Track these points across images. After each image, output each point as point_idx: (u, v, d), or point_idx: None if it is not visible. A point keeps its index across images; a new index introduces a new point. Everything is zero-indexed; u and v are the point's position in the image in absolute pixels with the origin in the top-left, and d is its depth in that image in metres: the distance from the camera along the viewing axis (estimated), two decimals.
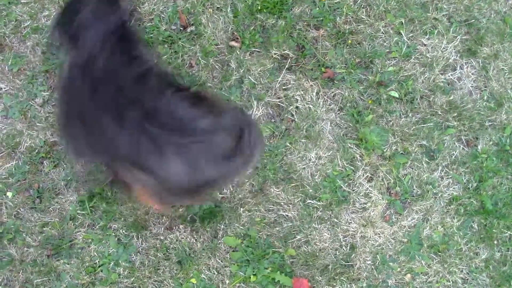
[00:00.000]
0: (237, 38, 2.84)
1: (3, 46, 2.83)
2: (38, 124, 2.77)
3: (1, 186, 2.73)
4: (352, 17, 2.88)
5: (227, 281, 2.71)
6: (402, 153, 2.80)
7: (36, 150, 2.75)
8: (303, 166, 2.78)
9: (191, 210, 2.71)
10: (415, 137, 2.81)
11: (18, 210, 2.71)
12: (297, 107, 2.80)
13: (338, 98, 2.83)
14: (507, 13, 2.93)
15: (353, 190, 2.78)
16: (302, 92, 2.81)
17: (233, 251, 2.71)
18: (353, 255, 2.76)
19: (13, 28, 2.84)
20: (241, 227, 2.73)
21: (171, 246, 2.71)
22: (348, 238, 2.75)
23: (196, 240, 2.72)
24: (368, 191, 2.77)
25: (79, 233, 2.71)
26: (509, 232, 2.80)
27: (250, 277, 2.69)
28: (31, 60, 2.82)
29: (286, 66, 2.82)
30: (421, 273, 2.78)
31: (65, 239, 2.69)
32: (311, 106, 2.80)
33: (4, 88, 2.79)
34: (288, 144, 2.78)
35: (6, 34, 2.83)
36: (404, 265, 2.77)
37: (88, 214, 2.71)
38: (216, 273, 2.71)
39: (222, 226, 2.73)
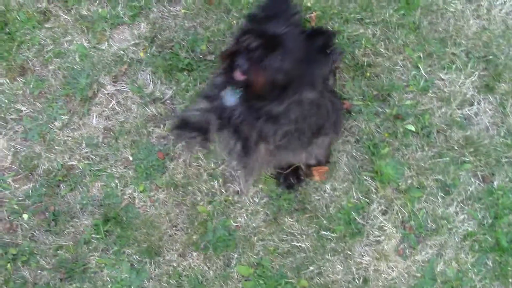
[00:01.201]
0: None
1: (25, 69, 2.88)
2: (56, 147, 2.80)
3: (18, 207, 2.75)
4: (370, 49, 2.91)
5: None
6: (417, 187, 2.79)
7: (53, 173, 2.78)
8: (317, 197, 2.78)
9: (204, 237, 2.72)
10: (431, 172, 2.80)
11: (33, 232, 2.74)
12: None
13: (354, 130, 2.84)
14: None
15: (368, 222, 2.77)
16: None
17: (246, 280, 2.71)
18: None
19: (36, 52, 2.89)
20: (254, 256, 2.73)
21: (184, 273, 2.72)
22: (361, 271, 2.74)
23: (209, 268, 2.72)
24: (382, 224, 2.76)
25: (92, 257, 2.72)
26: None
27: None
28: (52, 83, 2.86)
29: None
30: None
31: (78, 262, 2.71)
32: None
33: (25, 110, 2.84)
34: (303, 177, 2.77)
35: (29, 57, 2.89)
36: None
37: (102, 238, 2.72)
38: None
39: (235, 255, 2.74)
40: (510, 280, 2.74)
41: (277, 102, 2.06)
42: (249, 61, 1.89)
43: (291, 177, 2.72)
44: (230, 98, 2.08)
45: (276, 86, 1.96)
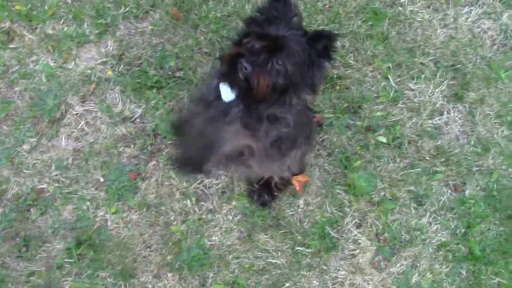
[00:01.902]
0: None
1: None
2: (25, 170, 2.76)
3: None
4: (340, 61, 2.90)
5: None
6: (390, 199, 2.81)
7: (23, 198, 2.74)
8: (291, 213, 2.78)
9: (179, 257, 2.70)
10: (403, 183, 2.82)
11: (4, 259, 2.70)
12: None
13: (326, 144, 2.84)
14: (492, 58, 2.96)
15: (342, 236, 2.78)
16: None
17: None
18: None
19: (1, 73, 2.86)
20: (230, 275, 2.72)
21: None
22: (337, 286, 2.75)
23: None
24: (356, 237, 2.77)
25: (66, 282, 2.69)
26: (497, 278, 2.80)
27: None
28: (19, 105, 2.82)
29: None
30: None
31: None
32: None
33: None
34: (276, 192, 2.76)
35: None
36: None
37: (75, 262, 2.69)
38: None
39: (210, 274, 2.72)
40: None
41: (277, 105, 2.04)
42: (253, 64, 1.87)
43: (264, 194, 2.71)
44: (229, 93, 2.03)
45: (277, 89, 1.95)
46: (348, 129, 2.85)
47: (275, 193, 2.72)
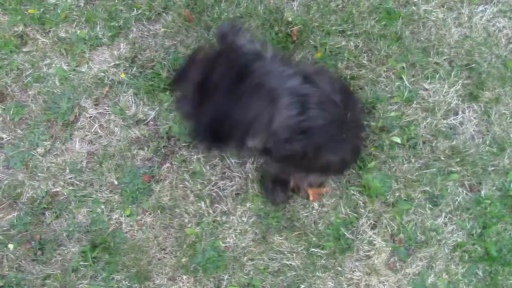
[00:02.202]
0: None
1: (4, 95, 2.83)
2: (39, 174, 2.76)
3: (2, 238, 2.72)
4: (353, 62, 2.89)
5: None
6: (405, 200, 2.79)
7: (38, 201, 2.74)
8: (306, 214, 2.76)
9: (194, 260, 2.70)
10: (418, 183, 2.80)
11: (20, 263, 2.70)
12: None
13: None
14: (508, 57, 2.93)
15: (357, 237, 2.76)
16: None
17: None
18: None
19: (14, 77, 2.84)
20: (245, 277, 2.71)
21: None
22: (352, 287, 2.73)
23: None
24: (371, 238, 2.75)
25: (81, 285, 2.70)
26: None
27: None
28: (33, 109, 2.82)
29: None
30: None
31: None
32: None
33: (6, 138, 2.79)
34: (291, 192, 2.76)
35: (8, 83, 2.83)
36: None
37: (90, 265, 2.70)
38: None
39: (225, 276, 2.72)
40: None
41: None
42: None
43: (279, 192, 2.70)
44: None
45: None
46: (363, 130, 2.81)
47: (290, 192, 2.70)
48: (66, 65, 2.88)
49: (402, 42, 2.91)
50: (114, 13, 2.91)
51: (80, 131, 2.82)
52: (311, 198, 2.73)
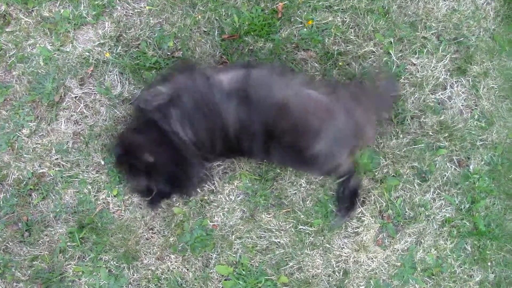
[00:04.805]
0: (225, 62, 2.80)
1: None
2: (25, 155, 2.74)
3: None
4: (340, 37, 2.85)
5: None
6: (393, 176, 2.78)
7: (24, 182, 2.72)
8: (294, 192, 2.75)
9: (182, 239, 2.69)
10: (407, 159, 2.78)
11: (7, 244, 2.69)
12: None
13: None
14: (496, 30, 2.89)
15: None
16: None
17: (225, 279, 2.70)
18: (347, 280, 2.74)
19: None
20: (233, 255, 2.71)
21: (163, 276, 2.69)
22: (341, 264, 2.73)
23: (187, 269, 2.70)
24: (360, 215, 2.74)
25: (69, 265, 2.69)
26: (502, 253, 2.78)
27: None
28: (17, 90, 2.78)
29: None
30: None
31: (55, 272, 2.67)
32: None
33: None
34: (278, 170, 2.74)
35: None
36: None
37: (78, 246, 2.69)
38: None
39: (214, 255, 2.72)
40: (489, 263, 2.76)
41: None
42: None
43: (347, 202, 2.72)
44: None
45: None
46: None
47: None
48: (50, 45, 2.84)
49: (389, 16, 2.88)
50: None
51: (65, 112, 2.79)
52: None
